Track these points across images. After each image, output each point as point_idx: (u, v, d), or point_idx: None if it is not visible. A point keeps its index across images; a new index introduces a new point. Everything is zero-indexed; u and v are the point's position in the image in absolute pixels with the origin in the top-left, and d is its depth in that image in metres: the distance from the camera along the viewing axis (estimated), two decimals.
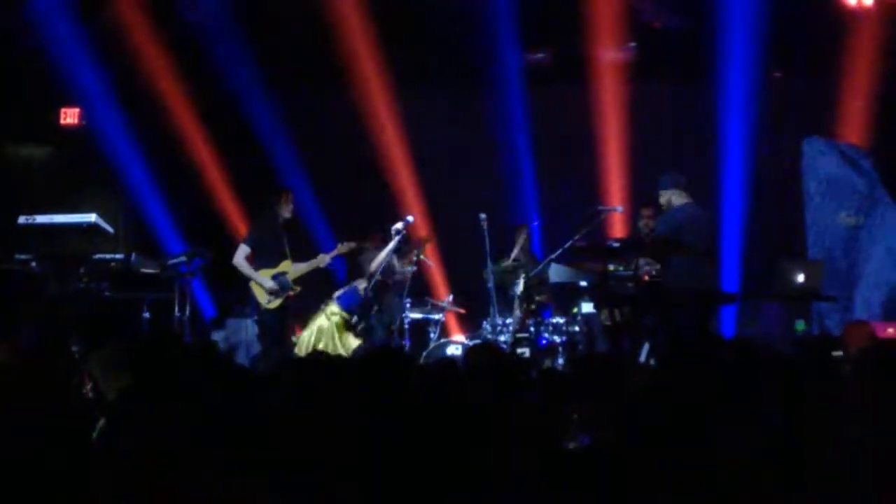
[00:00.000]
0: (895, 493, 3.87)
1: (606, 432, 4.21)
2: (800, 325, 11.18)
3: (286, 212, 11.21)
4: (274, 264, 11.00)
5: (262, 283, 10.94)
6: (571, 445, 4.34)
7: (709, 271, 10.10)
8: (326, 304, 11.64)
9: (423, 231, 12.86)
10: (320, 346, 11.17)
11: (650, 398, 4.32)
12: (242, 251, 11.06)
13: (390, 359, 4.51)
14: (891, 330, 10.51)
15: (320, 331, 11.41)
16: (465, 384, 4.49)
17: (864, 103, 12.44)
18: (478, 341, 11.19)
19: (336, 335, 11.32)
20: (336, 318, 11.45)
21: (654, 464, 3.77)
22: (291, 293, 11.03)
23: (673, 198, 10.05)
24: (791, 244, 12.37)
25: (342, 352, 11.15)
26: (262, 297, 10.97)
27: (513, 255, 12.28)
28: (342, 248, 11.45)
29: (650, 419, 4.00)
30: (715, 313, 10.92)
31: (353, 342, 11.41)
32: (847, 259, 12.12)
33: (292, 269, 11.07)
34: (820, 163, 12.29)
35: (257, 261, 10.99)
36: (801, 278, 10.84)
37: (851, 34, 12.33)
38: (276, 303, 10.95)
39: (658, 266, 10.08)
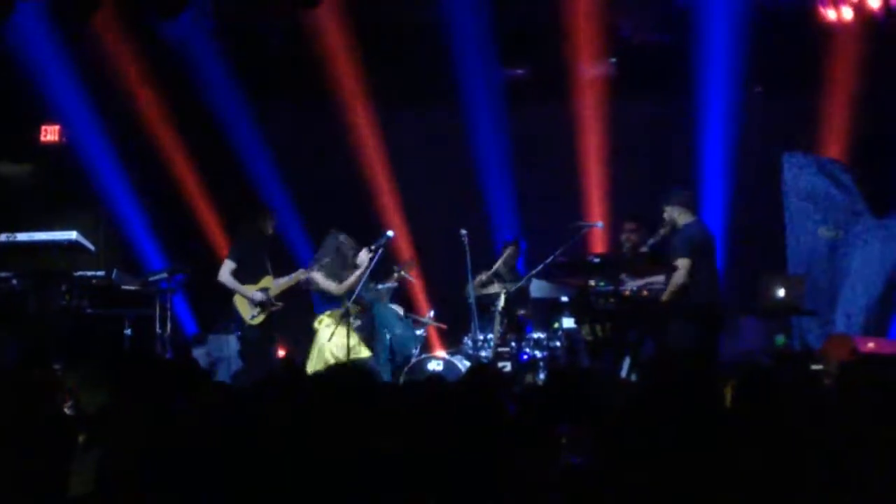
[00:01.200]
0: None
1: (593, 453, 4.19)
2: (780, 340, 11.23)
3: (269, 228, 11.19)
4: (255, 280, 10.95)
5: (251, 296, 10.87)
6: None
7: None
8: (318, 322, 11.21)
9: (406, 252, 12.88)
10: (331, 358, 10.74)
11: (636, 416, 4.32)
12: (228, 267, 10.95)
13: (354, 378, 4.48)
14: (871, 344, 10.54)
15: (320, 348, 10.90)
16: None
17: (845, 118, 12.51)
18: (460, 359, 11.23)
19: (336, 344, 10.79)
20: (328, 325, 10.94)
21: (642, 483, 3.77)
22: (274, 308, 10.98)
23: (678, 215, 9.82)
24: (772, 259, 12.39)
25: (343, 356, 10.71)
26: (247, 313, 10.92)
27: (493, 269, 12.22)
28: None
29: (637, 438, 4.00)
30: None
31: (364, 353, 11.00)
32: (827, 273, 12.16)
33: (273, 284, 11.02)
34: (800, 177, 12.34)
35: (239, 276, 10.94)
36: (781, 293, 10.90)
37: (831, 49, 12.39)
38: (259, 318, 10.90)
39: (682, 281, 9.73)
